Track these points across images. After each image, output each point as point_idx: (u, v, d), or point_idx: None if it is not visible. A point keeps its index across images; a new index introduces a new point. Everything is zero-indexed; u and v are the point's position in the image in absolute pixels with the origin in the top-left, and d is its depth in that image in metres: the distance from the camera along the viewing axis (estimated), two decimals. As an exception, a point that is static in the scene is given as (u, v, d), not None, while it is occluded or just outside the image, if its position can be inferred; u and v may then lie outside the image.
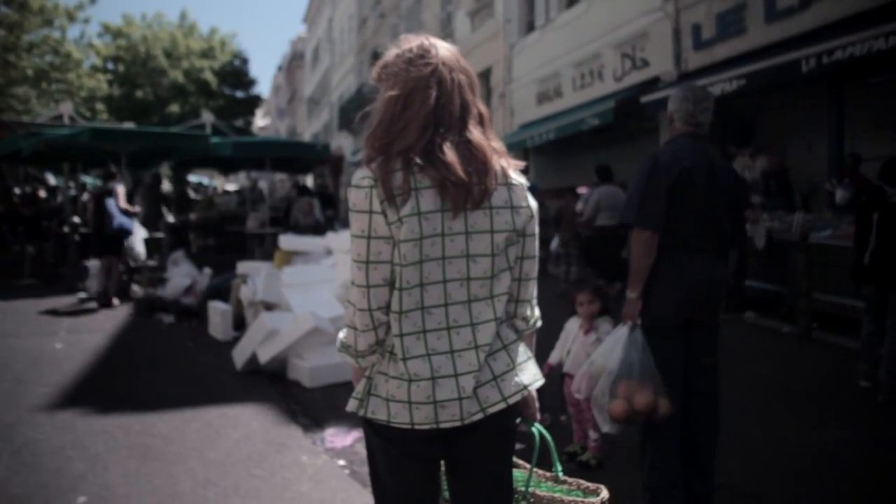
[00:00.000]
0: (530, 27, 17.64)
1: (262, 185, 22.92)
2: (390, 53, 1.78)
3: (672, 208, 3.11)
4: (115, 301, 9.60)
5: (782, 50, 8.95)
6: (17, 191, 16.60)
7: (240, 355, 6.26)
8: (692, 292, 3.19)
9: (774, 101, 10.76)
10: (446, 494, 1.92)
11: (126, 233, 9.82)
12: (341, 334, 1.83)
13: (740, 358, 6.18)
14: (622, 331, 3.17)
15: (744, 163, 9.96)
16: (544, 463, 2.00)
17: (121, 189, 10.06)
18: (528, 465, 2.00)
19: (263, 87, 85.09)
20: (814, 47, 8.16)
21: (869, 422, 4.76)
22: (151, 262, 11.03)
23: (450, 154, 1.65)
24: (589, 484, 2.07)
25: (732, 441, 4.08)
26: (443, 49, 1.75)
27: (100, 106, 30.82)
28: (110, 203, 9.68)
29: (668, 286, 3.15)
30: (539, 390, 1.87)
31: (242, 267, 8.28)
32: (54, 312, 9.07)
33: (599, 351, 3.27)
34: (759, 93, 9.84)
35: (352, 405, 1.78)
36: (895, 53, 7.18)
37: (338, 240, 7.57)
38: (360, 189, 1.65)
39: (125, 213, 9.84)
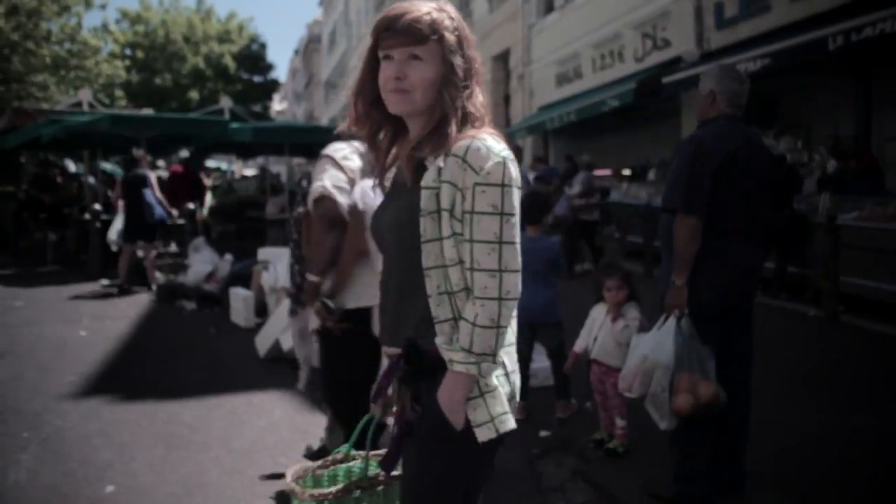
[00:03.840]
0: (549, 8, 17.46)
1: (277, 169, 22.84)
2: (445, 14, 1.65)
3: (714, 193, 3.04)
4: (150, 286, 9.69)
5: (808, 27, 8.79)
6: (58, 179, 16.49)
7: (262, 342, 6.26)
8: (732, 279, 3.15)
9: (799, 79, 10.58)
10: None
11: (164, 222, 9.94)
12: (477, 346, 1.55)
13: (767, 342, 6.07)
14: (669, 322, 3.10)
15: (768, 144, 9.83)
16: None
17: (153, 176, 10.08)
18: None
19: (280, 72, 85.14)
20: (842, 24, 8.00)
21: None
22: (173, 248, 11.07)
23: None
24: (378, 452, 1.92)
25: (762, 427, 4.01)
26: None
27: (118, 92, 30.95)
28: (148, 194, 9.72)
29: (708, 273, 3.08)
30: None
31: (263, 253, 8.26)
32: (77, 299, 9.14)
33: (647, 345, 3.18)
34: (783, 72, 9.67)
35: (491, 430, 1.59)
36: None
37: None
38: (514, 161, 1.61)
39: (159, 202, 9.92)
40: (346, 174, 3.04)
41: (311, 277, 3.04)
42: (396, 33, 1.60)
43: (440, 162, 1.59)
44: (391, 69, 1.62)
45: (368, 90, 1.70)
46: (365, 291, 2.99)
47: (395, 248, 1.68)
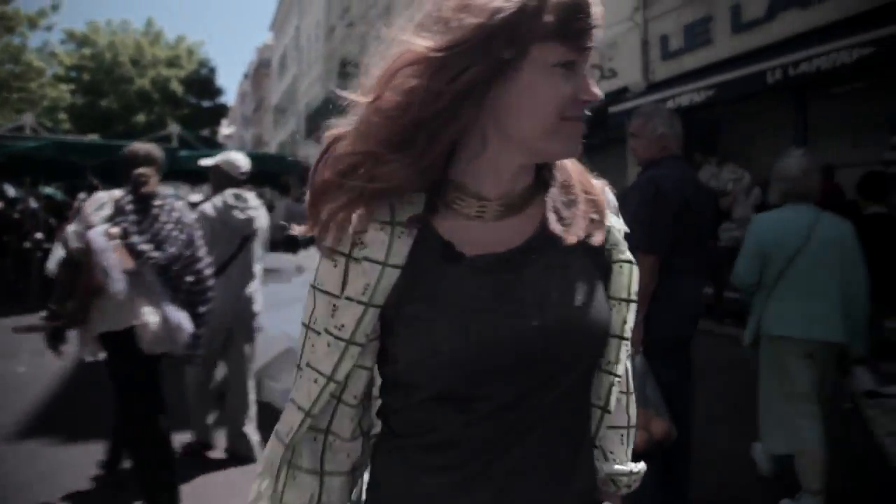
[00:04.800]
0: (498, 36, 17.71)
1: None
2: None
3: (672, 233, 3.17)
4: None
5: (749, 61, 9.09)
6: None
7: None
8: (685, 313, 3.30)
9: (739, 109, 10.91)
10: None
11: None
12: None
13: (709, 368, 6.21)
14: None
15: (710, 171, 10.07)
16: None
17: None
18: None
19: (229, 95, 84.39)
20: (780, 59, 8.30)
21: (836, 427, 4.79)
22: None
23: None
24: None
25: (706, 453, 4.10)
26: None
27: (62, 115, 30.33)
28: None
29: (663, 309, 3.18)
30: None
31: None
32: (15, 332, 8.83)
33: None
34: (725, 102, 9.97)
35: None
36: (859, 65, 7.32)
37: (309, 257, 7.47)
38: None
39: None
40: (87, 222, 3.45)
41: (51, 305, 3.56)
42: (589, 32, 1.03)
43: (611, 221, 1.16)
44: (584, 86, 1.05)
45: (471, 108, 1.00)
46: (108, 318, 3.51)
47: (574, 357, 1.06)
